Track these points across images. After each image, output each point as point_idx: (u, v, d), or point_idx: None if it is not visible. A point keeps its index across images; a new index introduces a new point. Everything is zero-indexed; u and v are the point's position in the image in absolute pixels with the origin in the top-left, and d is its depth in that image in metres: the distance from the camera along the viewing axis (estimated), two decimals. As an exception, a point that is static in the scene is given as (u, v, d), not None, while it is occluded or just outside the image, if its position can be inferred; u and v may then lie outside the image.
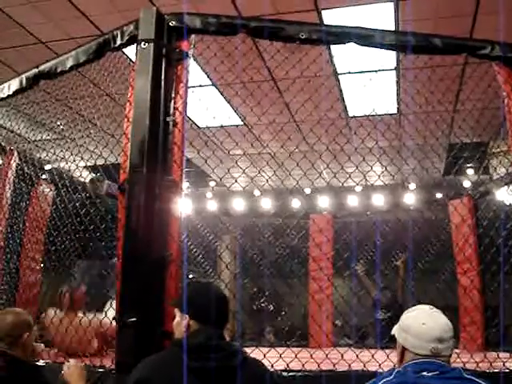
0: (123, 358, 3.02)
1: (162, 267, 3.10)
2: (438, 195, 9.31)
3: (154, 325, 3.01)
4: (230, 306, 2.46)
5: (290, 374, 3.26)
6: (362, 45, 3.74)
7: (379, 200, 11.35)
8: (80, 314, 4.88)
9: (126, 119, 3.42)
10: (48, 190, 5.79)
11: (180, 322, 2.40)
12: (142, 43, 3.38)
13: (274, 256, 9.84)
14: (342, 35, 3.74)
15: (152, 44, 3.36)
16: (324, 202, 11.50)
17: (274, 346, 4.81)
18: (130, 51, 3.54)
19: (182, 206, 3.34)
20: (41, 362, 3.67)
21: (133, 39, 3.51)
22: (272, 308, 14.11)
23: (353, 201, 11.62)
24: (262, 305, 14.24)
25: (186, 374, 2.13)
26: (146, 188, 3.10)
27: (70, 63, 3.94)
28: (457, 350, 3.43)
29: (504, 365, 3.52)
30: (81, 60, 3.88)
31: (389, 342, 5.08)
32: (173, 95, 3.38)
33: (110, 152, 3.82)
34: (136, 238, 3.07)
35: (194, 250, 9.11)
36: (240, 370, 2.24)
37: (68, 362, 3.08)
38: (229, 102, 8.48)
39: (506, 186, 6.64)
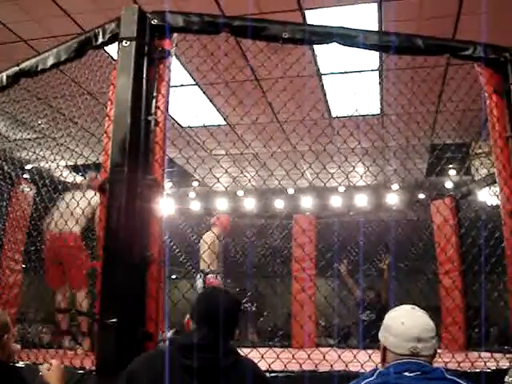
0: (104, 358, 2.99)
1: (143, 268, 3.07)
2: (421, 196, 9.36)
3: (135, 326, 2.98)
4: (235, 313, 2.47)
5: (272, 374, 3.24)
6: (344, 45, 3.74)
7: (362, 200, 11.40)
8: None
9: (107, 118, 3.40)
10: (28, 189, 5.72)
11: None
12: (124, 41, 3.35)
13: (257, 256, 9.83)
14: (325, 35, 3.74)
15: (134, 42, 3.34)
16: (307, 202, 11.53)
17: (256, 346, 4.80)
18: (112, 50, 3.50)
19: (164, 205, 3.31)
20: (20, 364, 3.61)
21: (114, 37, 3.48)
22: (255, 308, 14.07)
23: (336, 201, 11.66)
24: (245, 305, 14.23)
25: (173, 370, 2.19)
26: (126, 187, 3.07)
27: (51, 61, 3.89)
28: (439, 350, 3.43)
29: (485, 364, 3.53)
30: (62, 58, 3.83)
31: (371, 342, 5.08)
32: (154, 94, 3.35)
33: (91, 151, 3.78)
34: (117, 238, 3.05)
35: (177, 250, 9.06)
36: (231, 370, 2.26)
37: (47, 363, 3.04)
38: (211, 102, 8.44)
39: (487, 187, 6.68)
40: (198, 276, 7.09)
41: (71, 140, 4.21)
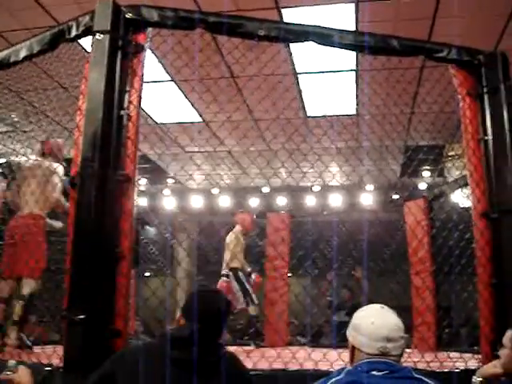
0: (71, 355, 2.95)
1: (113, 264, 3.04)
2: (395, 196, 9.42)
3: (104, 323, 2.95)
4: (224, 312, 2.52)
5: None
6: (320, 44, 3.74)
7: (336, 200, 11.43)
8: None
9: (78, 111, 3.35)
10: (-1, 183, 5.63)
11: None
12: (98, 34, 3.31)
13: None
14: (301, 33, 3.74)
15: (108, 36, 3.30)
16: (282, 201, 11.53)
17: (227, 344, 4.78)
18: (87, 43, 3.46)
19: (136, 201, 3.28)
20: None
21: (88, 30, 3.44)
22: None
23: (310, 201, 11.67)
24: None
25: (161, 362, 2.24)
26: (97, 182, 3.04)
27: (23, 53, 3.83)
28: (409, 350, 3.45)
29: (454, 364, 3.56)
30: (35, 50, 3.77)
31: (342, 341, 5.10)
32: (128, 88, 3.32)
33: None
34: (86, 234, 3.01)
35: (150, 247, 9.02)
36: (217, 365, 2.33)
37: (13, 361, 2.97)
38: (186, 98, 8.37)
39: (459, 189, 6.74)
40: (229, 274, 7.10)
41: (42, 133, 4.14)
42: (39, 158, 4.76)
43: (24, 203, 4.78)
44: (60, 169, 4.72)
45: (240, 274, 7.01)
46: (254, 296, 6.97)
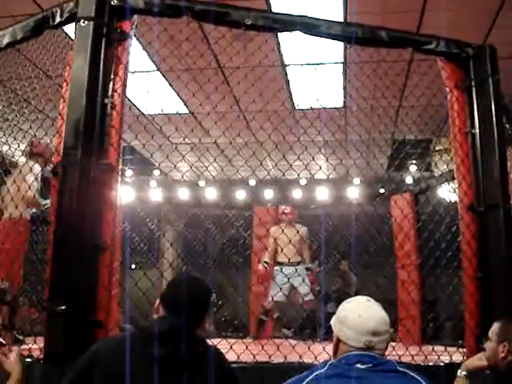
0: (52, 347, 2.92)
1: (95, 255, 3.00)
2: (381, 190, 9.41)
3: (85, 314, 2.91)
4: (205, 300, 2.40)
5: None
6: (307, 34, 3.71)
7: (323, 193, 11.42)
8: None
9: (61, 99, 3.30)
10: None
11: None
12: (82, 21, 3.27)
13: (216, 247, 9.79)
14: (289, 23, 3.71)
15: (92, 22, 3.26)
16: (269, 194, 11.50)
17: (210, 337, 4.75)
18: (71, 30, 3.40)
19: (120, 191, 3.23)
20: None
21: (72, 17, 3.39)
22: (213, 299, 14.04)
23: (297, 194, 11.65)
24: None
25: (138, 357, 2.16)
26: (79, 171, 2.99)
27: (6, 40, 3.78)
28: (394, 343, 3.44)
29: (439, 358, 3.55)
30: (18, 37, 3.72)
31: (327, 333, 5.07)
32: (112, 76, 3.27)
33: (45, 133, 3.67)
34: (68, 224, 2.97)
35: (135, 239, 8.96)
36: (197, 361, 2.22)
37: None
38: (172, 87, 8.30)
39: (446, 183, 6.75)
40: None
41: (24, 121, 4.08)
42: (25, 159, 4.69)
43: (4, 207, 4.72)
44: (36, 167, 4.63)
45: None
46: None
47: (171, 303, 2.30)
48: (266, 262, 6.91)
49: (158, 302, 2.38)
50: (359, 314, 2.21)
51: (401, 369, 2.12)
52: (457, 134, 3.88)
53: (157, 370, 2.10)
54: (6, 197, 4.49)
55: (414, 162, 10.54)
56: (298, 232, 6.53)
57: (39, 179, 4.66)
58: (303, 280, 6.31)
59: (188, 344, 2.20)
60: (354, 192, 11.31)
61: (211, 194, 11.79)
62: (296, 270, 6.34)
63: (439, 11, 6.20)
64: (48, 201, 4.03)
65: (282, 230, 6.21)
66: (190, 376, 2.17)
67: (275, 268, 6.99)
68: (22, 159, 4.78)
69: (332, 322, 2.32)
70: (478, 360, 2.82)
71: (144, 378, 2.10)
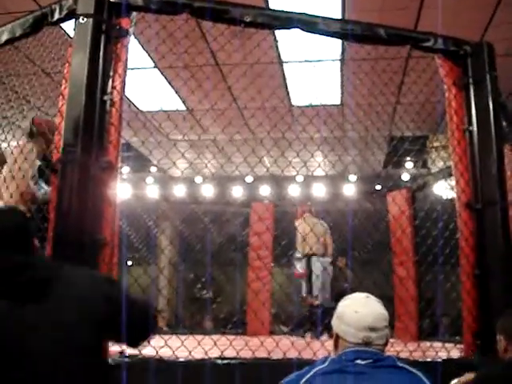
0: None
1: (95, 251, 3.00)
2: (378, 187, 9.44)
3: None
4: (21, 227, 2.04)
5: (225, 361, 3.21)
6: (306, 31, 3.71)
7: (320, 190, 11.43)
8: None
9: (61, 97, 3.29)
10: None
11: None
12: (81, 18, 3.26)
13: (214, 244, 9.78)
14: (287, 20, 3.71)
15: (91, 19, 3.25)
16: (265, 190, 11.51)
17: (210, 333, 4.77)
18: (69, 27, 3.40)
19: (119, 188, 3.23)
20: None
21: (71, 14, 3.38)
22: (211, 296, 14.06)
23: (294, 190, 11.66)
24: (202, 292, 14.18)
25: None
26: (79, 168, 3.00)
27: (5, 37, 3.77)
28: (391, 340, 3.45)
29: (437, 354, 3.57)
30: (17, 34, 3.71)
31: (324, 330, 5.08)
32: (111, 73, 3.27)
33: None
34: (67, 221, 2.97)
35: (133, 235, 8.95)
36: (53, 283, 1.90)
37: None
38: (170, 84, 8.30)
39: (443, 180, 6.76)
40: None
41: (23, 119, 4.07)
42: (24, 140, 4.37)
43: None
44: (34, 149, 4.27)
45: None
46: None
47: None
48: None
49: None
50: (356, 310, 2.23)
51: (400, 364, 2.13)
52: (454, 131, 3.89)
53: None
54: (2, 189, 4.20)
55: (410, 158, 10.56)
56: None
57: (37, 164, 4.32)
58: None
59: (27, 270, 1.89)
60: (351, 189, 11.32)
61: (208, 190, 11.79)
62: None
63: (436, 9, 6.21)
64: (46, 188, 3.84)
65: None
66: (39, 303, 1.86)
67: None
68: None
69: (332, 318, 2.34)
70: (465, 379, 2.83)
71: None
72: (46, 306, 1.85)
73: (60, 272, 1.97)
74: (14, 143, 3.96)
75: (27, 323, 1.82)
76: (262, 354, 3.38)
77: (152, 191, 11.75)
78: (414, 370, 2.14)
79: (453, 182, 3.99)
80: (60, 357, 1.81)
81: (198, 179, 11.82)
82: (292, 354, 3.35)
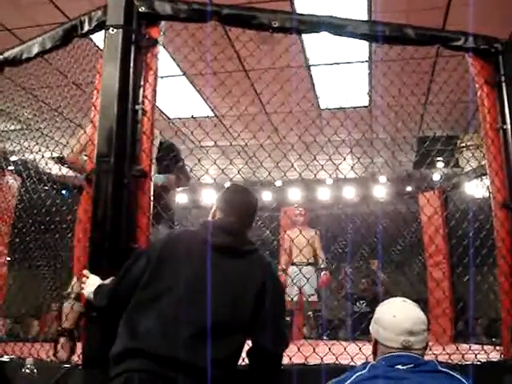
0: (90, 352, 2.95)
1: (131, 260, 3.01)
2: (409, 188, 9.35)
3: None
4: (255, 207, 2.83)
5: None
6: (334, 34, 3.69)
7: (350, 193, 11.36)
8: None
9: (93, 107, 3.33)
10: (13, 181, 5.62)
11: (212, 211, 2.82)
12: (111, 29, 3.29)
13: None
14: (315, 24, 3.69)
15: (121, 30, 3.28)
16: (295, 194, 11.46)
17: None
18: (98, 39, 3.43)
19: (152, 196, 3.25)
20: (5, 358, 3.54)
21: (101, 25, 3.42)
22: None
23: (324, 194, 11.59)
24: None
25: (201, 246, 2.55)
26: (113, 178, 3.02)
27: (35, 50, 3.83)
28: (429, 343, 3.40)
29: (476, 357, 3.52)
30: (47, 46, 3.76)
31: (362, 334, 5.05)
32: (142, 83, 3.29)
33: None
34: (103, 230, 2.99)
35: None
36: (250, 255, 2.65)
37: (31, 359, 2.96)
38: (199, 92, 8.35)
39: (476, 179, 6.67)
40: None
41: (56, 131, 4.12)
42: None
43: None
44: None
45: None
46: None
47: (229, 207, 2.73)
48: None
49: (214, 208, 2.81)
50: (394, 315, 2.22)
51: (442, 369, 2.11)
52: (488, 130, 3.83)
53: (210, 252, 2.50)
54: None
55: (441, 158, 10.43)
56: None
57: None
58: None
59: (240, 239, 2.65)
60: (382, 190, 11.21)
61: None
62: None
63: (464, 6, 6.14)
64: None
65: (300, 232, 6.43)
66: (239, 263, 2.58)
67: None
68: None
69: (371, 324, 2.33)
70: None
71: (199, 258, 2.50)
72: (241, 265, 2.58)
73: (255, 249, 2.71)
74: (47, 155, 4.02)
75: (225, 270, 2.53)
76: (298, 359, 3.35)
77: (182, 198, 11.77)
78: (455, 374, 2.11)
79: (487, 181, 3.93)
80: (237, 299, 2.49)
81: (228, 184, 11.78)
82: (329, 360, 3.32)
